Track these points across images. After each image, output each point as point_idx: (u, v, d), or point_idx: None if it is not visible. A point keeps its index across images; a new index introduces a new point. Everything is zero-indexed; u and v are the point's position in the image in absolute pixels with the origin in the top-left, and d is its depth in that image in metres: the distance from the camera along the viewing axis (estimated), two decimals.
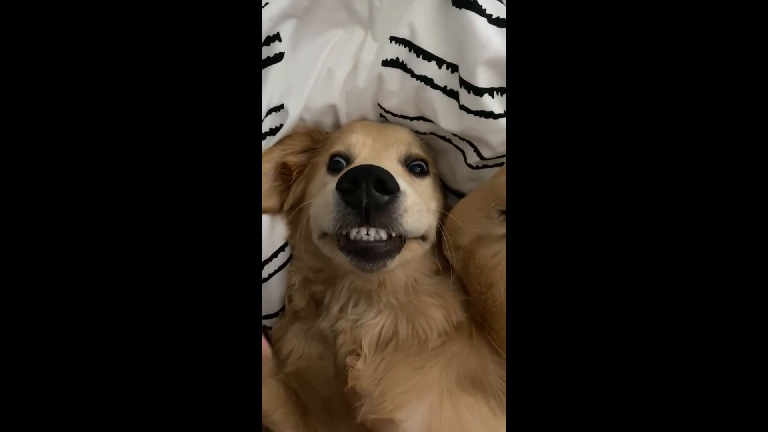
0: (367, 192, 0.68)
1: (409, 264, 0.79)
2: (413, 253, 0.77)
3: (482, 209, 0.75)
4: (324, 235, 0.77)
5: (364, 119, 0.93)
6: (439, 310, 0.81)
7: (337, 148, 0.86)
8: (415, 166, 0.86)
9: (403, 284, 0.82)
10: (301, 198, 0.90)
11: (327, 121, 0.92)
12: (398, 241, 0.73)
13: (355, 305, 0.83)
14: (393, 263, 0.73)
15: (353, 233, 0.71)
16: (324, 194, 0.74)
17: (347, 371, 0.80)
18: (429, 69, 0.79)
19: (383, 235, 0.71)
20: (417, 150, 0.87)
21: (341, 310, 0.84)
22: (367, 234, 0.70)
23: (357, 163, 0.82)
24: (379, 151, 0.84)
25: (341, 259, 0.74)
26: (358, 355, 0.81)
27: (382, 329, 0.81)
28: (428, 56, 0.79)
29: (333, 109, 0.90)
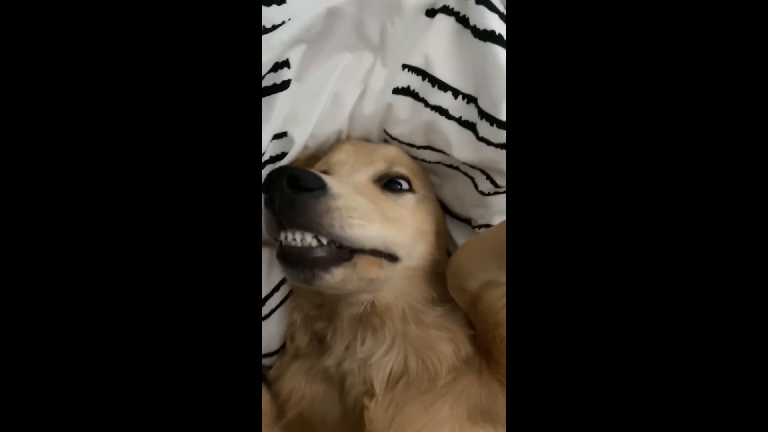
0: (280, 190, 0.65)
1: (384, 286, 0.76)
2: (369, 272, 0.72)
3: (493, 259, 0.73)
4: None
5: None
6: (449, 344, 0.79)
7: (323, 168, 0.84)
8: (393, 183, 0.82)
9: (400, 311, 0.79)
10: None
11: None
12: (336, 250, 0.68)
13: (363, 342, 0.79)
14: (331, 277, 0.68)
15: (282, 238, 0.68)
16: None
17: (362, 413, 0.76)
18: (444, 99, 0.78)
19: (309, 239, 0.67)
20: (399, 168, 0.84)
21: (347, 348, 0.80)
22: (293, 238, 0.67)
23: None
24: (356, 169, 0.82)
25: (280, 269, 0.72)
26: (372, 395, 0.77)
27: (392, 367, 0.78)
28: (444, 86, 0.77)
29: (339, 134, 0.87)
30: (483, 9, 0.71)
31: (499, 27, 0.71)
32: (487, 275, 0.73)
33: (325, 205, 0.66)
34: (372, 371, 0.77)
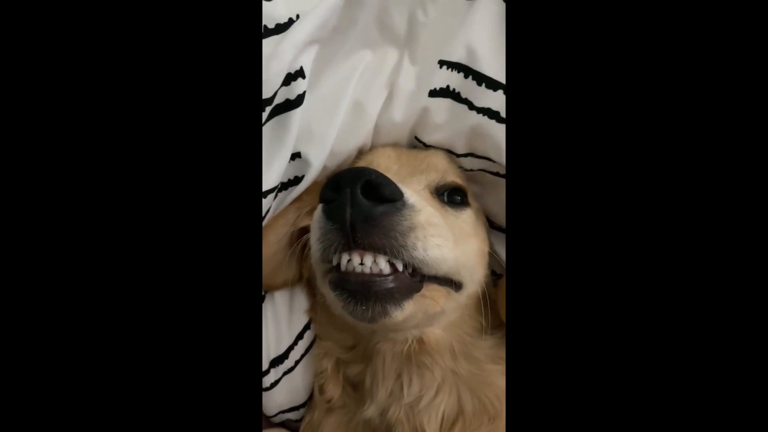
0: (353, 200, 0.50)
1: (439, 320, 0.64)
2: (437, 304, 0.59)
3: None
4: (326, 273, 0.58)
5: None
6: (505, 377, 0.68)
7: None
8: (452, 195, 0.70)
9: (448, 346, 0.67)
10: None
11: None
12: (408, 279, 0.55)
13: (409, 385, 0.67)
14: (401, 312, 0.55)
15: (343, 262, 0.53)
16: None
17: None
18: (494, 100, 0.64)
19: (383, 264, 0.52)
20: (454, 178, 0.71)
21: (391, 393, 0.68)
22: (361, 263, 0.52)
23: None
24: (404, 177, 0.68)
25: (332, 301, 0.57)
26: None
27: (445, 410, 0.68)
28: (493, 84, 0.64)
29: (362, 149, 0.72)
30: None
31: None
32: None
33: (409, 221, 0.52)
34: (423, 417, 0.67)
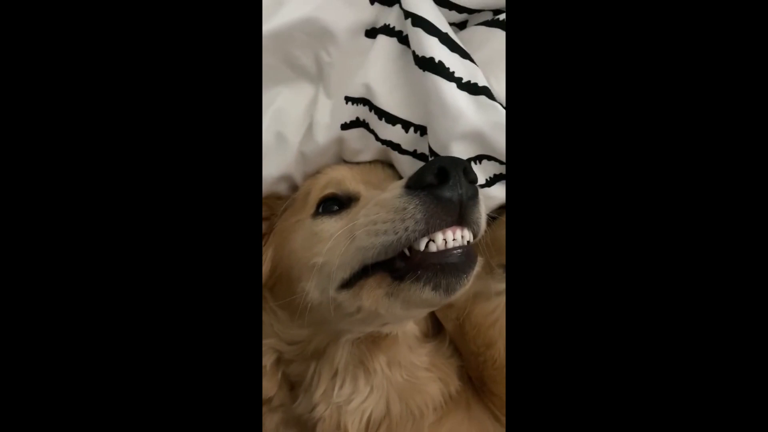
0: (460, 182, 0.55)
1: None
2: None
3: (482, 265, 0.63)
4: (359, 274, 0.60)
5: None
6: (436, 384, 0.73)
7: (327, 191, 0.71)
8: None
9: (408, 344, 0.72)
10: (275, 268, 0.77)
11: (282, 191, 0.82)
12: (472, 251, 0.59)
13: (341, 385, 0.72)
14: (469, 282, 0.58)
15: (438, 240, 0.55)
16: (374, 209, 0.59)
17: None
18: (394, 133, 0.69)
19: (470, 236, 0.57)
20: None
21: (324, 392, 0.72)
22: (461, 236, 0.56)
23: (362, 201, 0.67)
24: (376, 185, 0.70)
25: (409, 294, 0.57)
26: None
27: (371, 413, 0.71)
28: (391, 119, 0.68)
29: (289, 179, 0.79)
30: (419, 32, 0.60)
31: (440, 53, 0.60)
32: (476, 284, 0.63)
33: (479, 202, 0.58)
34: (348, 418, 0.70)
